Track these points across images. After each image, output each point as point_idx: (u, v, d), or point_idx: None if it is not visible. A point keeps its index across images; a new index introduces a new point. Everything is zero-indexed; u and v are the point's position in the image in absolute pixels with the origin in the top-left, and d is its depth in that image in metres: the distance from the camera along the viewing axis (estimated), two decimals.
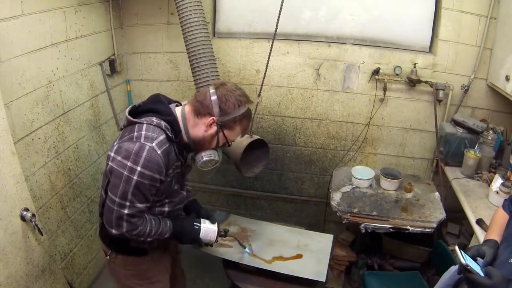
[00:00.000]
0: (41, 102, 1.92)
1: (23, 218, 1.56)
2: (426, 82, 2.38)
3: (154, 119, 1.31)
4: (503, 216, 1.36)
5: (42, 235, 1.67)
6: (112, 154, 1.28)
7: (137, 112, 1.38)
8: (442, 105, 2.47)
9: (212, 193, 3.03)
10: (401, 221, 2.08)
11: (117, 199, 1.27)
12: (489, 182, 2.13)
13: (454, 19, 2.31)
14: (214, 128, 1.35)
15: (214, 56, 2.15)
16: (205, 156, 1.41)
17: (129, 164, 1.23)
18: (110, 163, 1.28)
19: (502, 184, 1.94)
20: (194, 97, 1.40)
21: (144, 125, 1.29)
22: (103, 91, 2.49)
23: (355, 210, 2.15)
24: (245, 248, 1.81)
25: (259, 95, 2.37)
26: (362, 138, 2.66)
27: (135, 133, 1.27)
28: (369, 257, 2.52)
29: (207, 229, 1.54)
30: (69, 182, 2.18)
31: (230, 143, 1.42)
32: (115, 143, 1.31)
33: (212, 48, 2.14)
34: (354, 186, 2.37)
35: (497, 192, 1.95)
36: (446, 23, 2.33)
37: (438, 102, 2.40)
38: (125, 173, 1.24)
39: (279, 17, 2.07)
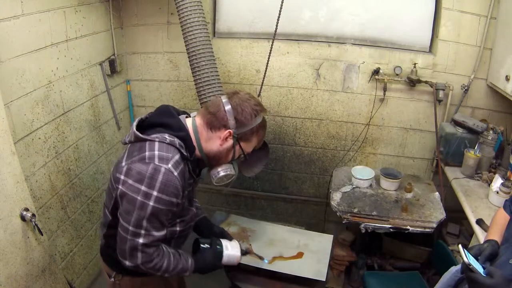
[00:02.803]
0: (41, 102, 1.92)
1: (23, 218, 1.56)
2: (426, 82, 2.38)
3: (166, 136, 1.18)
4: (504, 217, 1.36)
5: (42, 235, 1.67)
6: (122, 177, 1.15)
7: (145, 125, 1.26)
8: (442, 105, 2.47)
9: (212, 193, 3.03)
10: (401, 221, 2.08)
11: (130, 228, 1.15)
12: (489, 182, 2.13)
13: (454, 19, 2.31)
14: (230, 141, 1.25)
15: (214, 56, 2.15)
16: (222, 171, 1.31)
17: (143, 188, 1.12)
18: (120, 187, 1.16)
19: (502, 184, 1.94)
20: (205, 109, 1.28)
21: (157, 144, 1.16)
22: (103, 91, 2.49)
23: (355, 210, 2.15)
24: (263, 259, 1.76)
25: (259, 95, 2.37)
26: (362, 138, 2.66)
27: (146, 153, 1.15)
28: (369, 257, 2.52)
29: (230, 256, 1.44)
30: (69, 182, 2.18)
31: (246, 156, 1.32)
32: (123, 163, 1.18)
33: (212, 48, 2.14)
34: (354, 186, 2.37)
35: (497, 192, 1.95)
36: (446, 23, 2.32)
37: (438, 102, 2.40)
38: (139, 198, 1.12)
39: (279, 17, 2.07)
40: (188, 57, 2.12)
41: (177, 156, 1.17)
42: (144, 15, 2.60)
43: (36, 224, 1.60)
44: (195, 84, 2.15)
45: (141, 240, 1.16)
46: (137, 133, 1.20)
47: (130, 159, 1.17)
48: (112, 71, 2.53)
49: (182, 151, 1.20)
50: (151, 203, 1.12)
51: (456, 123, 2.34)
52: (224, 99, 1.25)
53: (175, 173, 1.14)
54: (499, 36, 2.22)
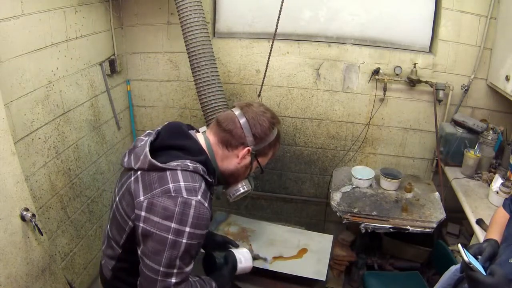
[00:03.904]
0: (41, 102, 1.92)
1: (23, 218, 1.56)
2: (426, 82, 2.38)
3: (188, 162, 1.07)
4: (503, 216, 1.36)
5: (42, 235, 1.67)
6: (143, 213, 1.03)
7: (154, 147, 1.12)
8: (442, 105, 2.47)
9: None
10: (401, 221, 2.08)
11: (162, 269, 1.03)
12: (489, 182, 2.13)
13: (454, 19, 2.31)
14: (248, 159, 1.18)
15: (214, 56, 2.15)
16: (241, 188, 1.28)
17: (173, 225, 1.01)
18: (142, 225, 1.03)
19: (502, 184, 1.94)
20: (217, 125, 1.18)
21: (180, 173, 1.05)
22: (103, 91, 2.48)
23: (355, 210, 2.15)
24: (266, 260, 1.78)
25: (259, 95, 2.38)
26: (362, 138, 2.66)
27: (171, 185, 1.03)
28: (369, 257, 2.52)
29: (244, 268, 1.44)
30: (69, 182, 2.18)
31: (263, 170, 1.25)
32: (141, 198, 1.04)
33: (212, 48, 2.14)
34: (354, 186, 2.37)
35: (497, 192, 1.95)
36: (446, 23, 2.33)
37: (438, 102, 2.40)
38: (170, 237, 1.01)
39: (279, 17, 2.07)
40: (188, 57, 2.12)
41: (203, 185, 1.08)
42: (144, 15, 2.60)
43: (36, 224, 1.60)
44: (195, 84, 2.15)
45: (173, 280, 1.05)
46: (153, 161, 1.06)
47: (149, 192, 1.04)
48: (112, 71, 2.53)
49: (206, 177, 1.11)
50: (184, 241, 1.02)
51: (456, 123, 2.34)
52: (237, 111, 1.16)
53: (206, 204, 1.05)
54: (499, 36, 2.22)
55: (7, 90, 1.67)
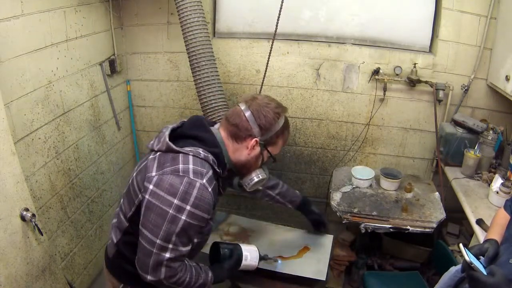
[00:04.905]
0: (41, 102, 1.92)
1: (23, 218, 1.56)
2: (426, 82, 2.38)
3: (200, 151, 1.17)
4: (504, 217, 1.37)
5: (42, 235, 1.67)
6: (151, 187, 1.12)
7: (176, 135, 1.23)
8: (442, 105, 2.47)
9: None
10: (401, 221, 2.08)
11: (158, 241, 1.10)
12: (489, 182, 2.13)
13: (454, 19, 2.31)
14: (257, 149, 1.25)
15: (214, 56, 2.15)
16: (255, 177, 1.32)
17: (176, 202, 1.09)
18: (147, 197, 1.12)
19: (502, 184, 1.94)
20: (226, 120, 1.27)
21: (191, 157, 1.14)
22: (103, 91, 2.48)
23: (355, 210, 2.15)
24: (276, 261, 1.75)
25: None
26: (362, 138, 2.66)
27: (180, 165, 1.12)
28: (369, 257, 2.52)
29: (247, 266, 1.46)
30: (69, 182, 2.18)
31: (275, 159, 1.32)
32: (153, 173, 1.14)
33: (212, 48, 2.14)
34: (354, 186, 2.37)
35: (497, 192, 1.95)
36: (446, 23, 2.33)
37: (438, 102, 2.40)
38: (170, 211, 1.09)
39: (279, 17, 2.07)
40: (188, 57, 2.12)
41: (210, 172, 1.16)
42: (144, 15, 2.60)
43: (36, 224, 1.60)
44: (195, 84, 2.15)
45: (167, 255, 1.12)
46: (170, 144, 1.16)
47: (161, 169, 1.14)
48: (112, 71, 2.53)
49: (215, 167, 1.19)
50: (183, 217, 1.10)
51: (456, 123, 2.34)
52: (242, 106, 1.24)
53: (209, 189, 1.13)
54: (499, 36, 2.22)
55: (7, 90, 1.67)
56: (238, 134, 1.23)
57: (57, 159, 2.07)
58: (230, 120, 1.25)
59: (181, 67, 2.69)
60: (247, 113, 1.22)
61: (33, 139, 1.88)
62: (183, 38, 2.11)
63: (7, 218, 1.49)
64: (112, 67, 2.53)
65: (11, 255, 1.51)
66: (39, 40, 1.87)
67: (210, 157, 1.18)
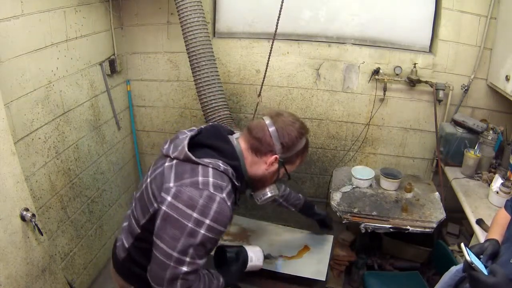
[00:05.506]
0: (41, 102, 1.92)
1: (23, 218, 1.56)
2: (426, 82, 2.38)
3: (220, 163, 1.15)
4: (505, 217, 1.37)
5: (42, 235, 1.67)
6: (169, 198, 1.09)
7: (193, 142, 1.20)
8: (442, 105, 2.47)
9: None
10: (401, 221, 2.08)
11: (175, 254, 1.08)
12: (489, 182, 2.13)
13: (454, 19, 2.31)
14: (275, 166, 1.24)
15: (214, 56, 2.16)
16: (269, 192, 1.34)
17: (195, 215, 1.07)
18: (165, 208, 1.09)
19: (502, 184, 1.94)
20: (248, 132, 1.24)
21: (211, 170, 1.12)
22: (103, 91, 2.48)
23: (355, 210, 2.15)
24: (278, 259, 1.77)
25: (259, 95, 2.37)
26: (362, 138, 2.66)
27: (200, 178, 1.10)
28: (369, 257, 2.52)
29: (253, 266, 1.47)
30: (69, 182, 2.18)
31: (290, 176, 1.32)
32: (171, 184, 1.11)
33: (212, 48, 2.14)
34: (354, 186, 2.37)
35: (497, 192, 1.95)
36: (446, 23, 2.33)
37: (438, 102, 2.40)
38: (189, 225, 1.07)
39: (279, 17, 2.07)
40: (188, 57, 2.12)
41: (229, 186, 1.15)
42: (144, 15, 2.60)
43: (36, 224, 1.60)
44: (195, 84, 2.15)
45: (184, 268, 1.09)
46: (190, 154, 1.13)
47: (179, 181, 1.11)
48: (112, 71, 2.53)
49: (234, 181, 1.18)
50: (202, 231, 1.08)
51: (456, 123, 2.34)
52: (267, 120, 1.22)
53: (228, 203, 1.12)
54: (499, 36, 2.22)
55: (7, 90, 1.67)
56: (260, 148, 1.21)
57: (57, 159, 2.07)
58: (253, 133, 1.22)
59: (181, 67, 2.69)
60: (271, 129, 1.20)
61: (33, 139, 1.88)
62: (183, 38, 2.11)
63: (7, 218, 1.49)
64: (112, 67, 2.53)
65: (11, 255, 1.51)
66: (39, 40, 1.87)
67: (230, 170, 1.17)
